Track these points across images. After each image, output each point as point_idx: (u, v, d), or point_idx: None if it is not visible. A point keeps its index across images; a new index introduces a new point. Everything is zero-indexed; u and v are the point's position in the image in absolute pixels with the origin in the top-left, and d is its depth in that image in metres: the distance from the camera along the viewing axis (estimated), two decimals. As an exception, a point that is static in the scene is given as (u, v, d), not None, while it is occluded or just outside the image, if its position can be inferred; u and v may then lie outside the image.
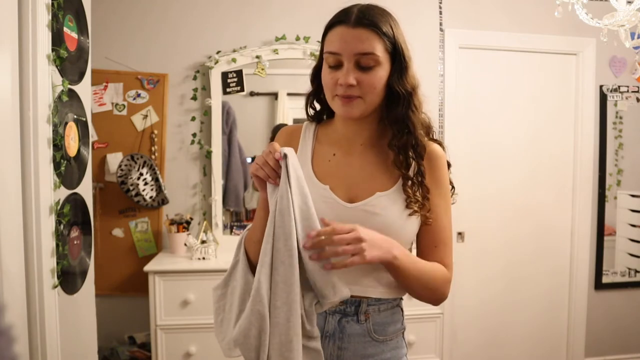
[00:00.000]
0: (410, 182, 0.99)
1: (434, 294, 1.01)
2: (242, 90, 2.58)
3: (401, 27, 1.01)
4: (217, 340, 1.04)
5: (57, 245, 1.44)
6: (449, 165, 1.07)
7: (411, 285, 0.98)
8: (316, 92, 1.09)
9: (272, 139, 1.13)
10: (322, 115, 1.12)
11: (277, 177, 0.93)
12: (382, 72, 0.97)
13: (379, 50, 0.96)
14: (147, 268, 2.24)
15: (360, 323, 1.00)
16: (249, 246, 1.03)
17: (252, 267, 0.99)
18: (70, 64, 1.54)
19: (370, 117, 1.03)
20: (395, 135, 1.00)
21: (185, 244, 2.43)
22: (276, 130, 2.60)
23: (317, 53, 1.67)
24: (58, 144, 1.45)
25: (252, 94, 2.63)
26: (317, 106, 1.11)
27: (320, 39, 1.05)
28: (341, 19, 0.98)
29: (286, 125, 2.58)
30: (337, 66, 0.97)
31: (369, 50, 0.95)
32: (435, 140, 1.07)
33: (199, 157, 2.62)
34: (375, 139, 1.05)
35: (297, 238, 0.90)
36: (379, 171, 1.02)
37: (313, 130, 1.10)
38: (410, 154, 1.00)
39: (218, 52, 2.57)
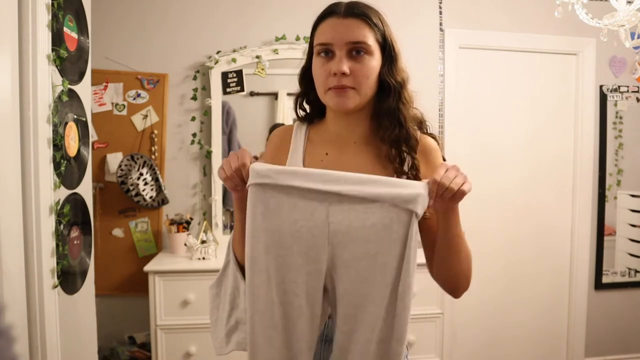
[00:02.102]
0: (405, 177, 0.98)
1: (469, 268, 0.99)
2: (242, 90, 2.58)
3: (389, 25, 1.02)
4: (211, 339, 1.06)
5: (57, 245, 1.44)
6: (443, 159, 1.06)
7: (460, 246, 0.97)
8: (305, 93, 1.08)
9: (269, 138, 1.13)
10: (311, 117, 1.11)
11: (242, 187, 0.92)
12: (374, 62, 0.97)
13: (370, 39, 0.96)
14: (147, 268, 2.24)
15: None
16: (235, 248, 1.03)
17: (241, 267, 1.00)
18: (70, 64, 1.54)
19: (362, 113, 1.02)
20: (387, 128, 1.00)
21: (185, 244, 2.43)
22: (273, 129, 2.59)
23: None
24: (58, 144, 1.45)
25: (252, 94, 2.63)
26: (307, 107, 1.11)
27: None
28: (331, 10, 0.99)
29: (283, 124, 2.57)
30: (329, 58, 0.97)
31: (361, 39, 0.95)
32: (430, 134, 1.07)
33: (199, 157, 2.62)
34: (368, 137, 1.04)
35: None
36: (373, 168, 1.01)
37: (304, 131, 1.09)
38: (404, 147, 0.99)
39: (218, 52, 2.57)
